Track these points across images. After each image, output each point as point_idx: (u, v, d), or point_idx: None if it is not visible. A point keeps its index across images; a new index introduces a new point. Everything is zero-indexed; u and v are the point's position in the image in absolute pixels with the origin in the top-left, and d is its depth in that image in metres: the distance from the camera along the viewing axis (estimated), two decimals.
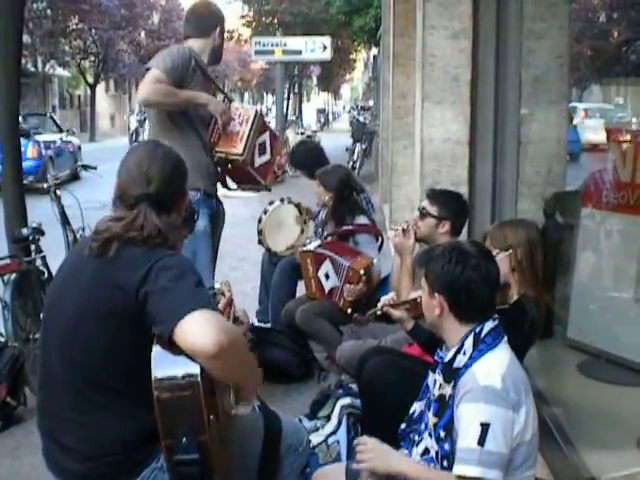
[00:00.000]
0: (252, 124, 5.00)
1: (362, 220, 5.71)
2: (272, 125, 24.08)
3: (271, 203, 6.23)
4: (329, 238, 5.67)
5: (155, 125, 5.13)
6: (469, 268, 2.79)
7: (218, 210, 5.27)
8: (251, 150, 5.03)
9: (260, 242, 6.19)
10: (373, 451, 2.87)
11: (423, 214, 4.49)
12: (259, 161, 5.14)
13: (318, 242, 5.68)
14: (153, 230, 2.64)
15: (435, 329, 2.96)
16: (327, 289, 5.43)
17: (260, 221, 6.14)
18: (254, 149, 5.07)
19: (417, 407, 3.01)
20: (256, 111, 5.16)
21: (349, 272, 5.24)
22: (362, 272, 5.21)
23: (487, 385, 2.64)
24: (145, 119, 27.04)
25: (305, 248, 5.62)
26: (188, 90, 4.88)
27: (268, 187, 5.38)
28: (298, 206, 6.15)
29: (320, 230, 5.93)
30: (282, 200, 6.26)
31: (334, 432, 4.25)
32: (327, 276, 5.41)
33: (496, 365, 2.71)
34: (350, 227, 5.64)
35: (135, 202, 2.71)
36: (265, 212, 6.19)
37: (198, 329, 2.38)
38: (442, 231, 4.44)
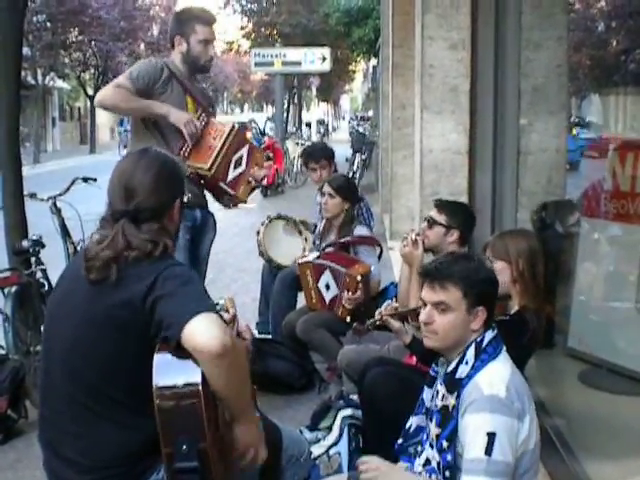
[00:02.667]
0: (225, 139, 4.93)
1: (363, 230, 5.71)
2: (271, 134, 24.17)
3: (263, 223, 6.30)
4: (328, 249, 5.66)
5: (132, 134, 5.26)
6: (494, 275, 2.88)
7: (204, 222, 5.23)
8: (224, 166, 4.97)
9: (261, 254, 6.17)
10: (376, 470, 2.87)
11: (431, 223, 4.49)
12: (233, 174, 5.06)
13: (316, 253, 5.67)
14: (145, 243, 2.63)
15: (453, 347, 2.86)
16: (328, 300, 5.43)
17: (258, 233, 6.16)
18: (228, 165, 5.01)
19: (413, 422, 3.01)
20: (232, 126, 5.09)
21: (346, 278, 5.22)
22: (359, 278, 5.18)
23: (491, 395, 2.64)
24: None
25: (303, 260, 5.61)
26: (151, 100, 4.89)
27: (241, 199, 5.28)
28: (296, 224, 6.16)
29: (318, 241, 5.92)
30: (268, 218, 6.37)
31: (335, 443, 4.23)
32: (327, 286, 5.40)
33: (499, 374, 2.71)
34: (350, 239, 5.63)
35: (118, 217, 2.71)
36: (262, 224, 6.21)
37: (205, 329, 2.40)
38: (451, 240, 4.45)
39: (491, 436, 2.58)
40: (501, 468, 2.58)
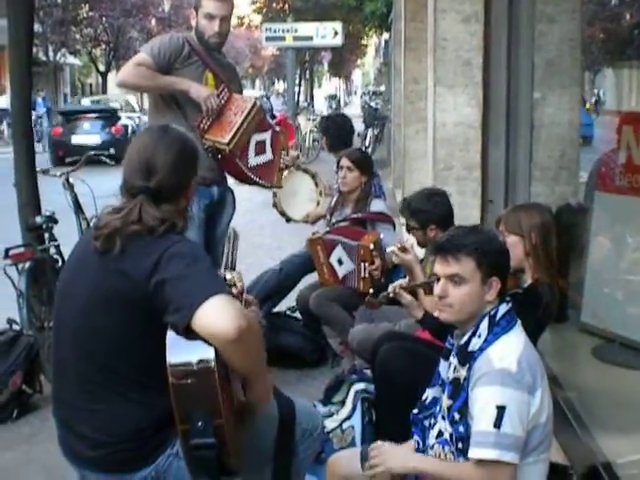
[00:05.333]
0: (247, 115, 4.89)
1: (379, 204, 5.68)
2: (283, 111, 24.12)
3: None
4: (342, 223, 5.63)
5: (151, 108, 5.23)
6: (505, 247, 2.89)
7: (222, 199, 5.21)
8: (243, 142, 4.93)
9: (274, 205, 6.09)
10: (386, 453, 2.88)
11: (409, 229, 4.51)
12: (256, 161, 5.03)
13: (326, 229, 5.66)
14: (153, 220, 2.63)
15: (468, 320, 2.85)
16: (341, 275, 5.41)
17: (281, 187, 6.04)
18: (248, 143, 4.98)
19: (430, 393, 3.01)
20: (254, 102, 5.03)
21: (360, 250, 5.18)
22: (372, 247, 5.14)
23: (503, 368, 2.64)
24: None
25: (314, 236, 5.59)
26: (172, 76, 4.88)
27: (275, 186, 5.32)
28: (314, 177, 6.06)
29: (329, 216, 5.88)
30: (298, 167, 6.08)
31: (348, 417, 4.25)
32: (340, 262, 5.38)
33: (511, 348, 2.70)
34: (366, 214, 5.61)
35: (136, 193, 2.70)
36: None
37: (218, 314, 2.38)
38: (432, 235, 4.42)
39: (501, 409, 2.58)
40: (510, 441, 2.58)
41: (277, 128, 5.28)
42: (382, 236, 5.31)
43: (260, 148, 5.06)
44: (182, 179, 2.80)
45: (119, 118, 23.60)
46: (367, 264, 5.16)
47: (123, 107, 26.68)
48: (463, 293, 2.81)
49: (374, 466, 2.88)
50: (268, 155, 5.09)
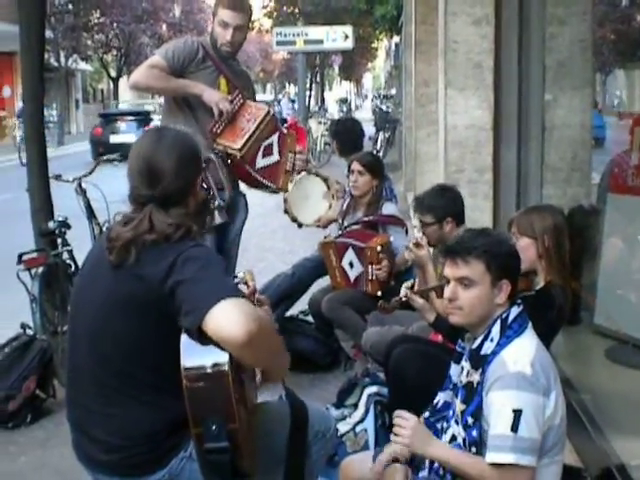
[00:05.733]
0: (259, 123, 4.89)
1: (390, 207, 5.68)
2: (293, 114, 24.11)
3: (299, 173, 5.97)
4: (354, 227, 5.64)
5: (164, 109, 5.29)
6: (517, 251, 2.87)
7: (234, 203, 5.17)
8: (254, 150, 4.93)
9: (286, 211, 6.08)
10: (413, 429, 2.85)
11: (423, 226, 4.50)
12: (262, 163, 5.01)
13: (339, 232, 5.66)
14: (167, 227, 2.62)
15: (479, 323, 2.85)
16: (352, 278, 5.42)
17: (287, 190, 6.02)
18: (257, 150, 4.97)
19: (441, 397, 3.01)
20: (268, 111, 5.03)
21: (367, 252, 5.19)
22: (379, 248, 5.14)
23: (517, 372, 2.63)
24: None
25: (326, 240, 5.60)
26: (186, 79, 4.90)
27: (281, 189, 5.28)
28: (326, 180, 6.06)
29: (341, 220, 5.88)
30: (310, 171, 6.05)
31: (361, 420, 4.25)
32: (351, 264, 5.39)
33: (525, 351, 2.70)
34: (377, 217, 5.61)
35: (144, 202, 2.69)
36: (290, 181, 6.06)
37: (228, 319, 2.37)
38: (448, 229, 4.42)
39: (517, 413, 2.57)
40: (528, 445, 2.57)
41: (284, 130, 5.28)
42: (392, 239, 5.32)
43: (267, 150, 5.06)
44: (187, 181, 2.77)
45: (151, 119, 25.76)
46: (374, 266, 5.17)
47: (157, 110, 28.61)
48: (473, 296, 2.81)
49: (396, 435, 2.88)
50: (275, 156, 5.09)
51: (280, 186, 5.20)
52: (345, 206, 5.88)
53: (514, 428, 2.56)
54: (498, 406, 2.62)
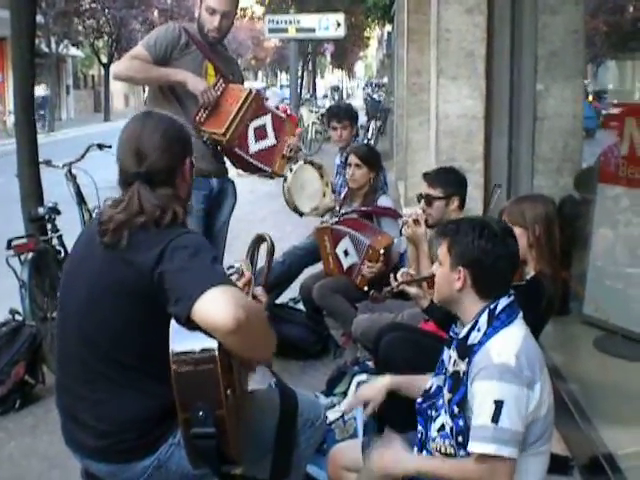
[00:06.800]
0: (241, 104, 4.88)
1: (386, 201, 5.70)
2: (286, 102, 24.10)
3: (291, 170, 5.93)
4: (350, 215, 5.64)
5: (150, 100, 5.25)
6: (499, 245, 2.79)
7: (221, 190, 5.19)
8: (241, 132, 4.93)
9: (287, 202, 6.06)
10: (387, 460, 2.86)
11: (429, 200, 4.50)
12: (257, 146, 5.02)
13: (335, 219, 5.66)
14: (155, 209, 2.62)
15: (448, 304, 2.92)
16: (346, 266, 5.43)
17: (286, 180, 5.87)
18: (246, 131, 4.96)
19: (434, 382, 3.02)
20: (249, 91, 5.01)
21: (369, 250, 5.23)
22: (382, 251, 5.20)
23: (501, 363, 2.63)
24: None
25: (322, 225, 5.60)
26: (169, 67, 4.87)
27: (278, 173, 5.28)
28: (320, 169, 6.05)
29: (338, 208, 5.89)
30: (305, 160, 6.03)
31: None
32: (346, 253, 5.40)
33: (510, 342, 2.70)
34: (373, 208, 5.62)
35: (131, 180, 2.70)
36: (290, 170, 5.94)
37: (216, 306, 2.37)
38: (453, 207, 4.48)
39: (499, 404, 2.57)
40: (508, 436, 2.57)
41: (280, 113, 5.27)
42: (395, 241, 5.35)
43: (260, 133, 5.04)
44: (174, 158, 2.78)
45: None
46: (371, 264, 5.20)
47: None
48: (438, 275, 2.92)
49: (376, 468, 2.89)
50: (271, 139, 5.08)
51: (275, 170, 5.19)
52: (342, 196, 5.89)
53: (495, 419, 2.56)
54: (480, 396, 2.62)
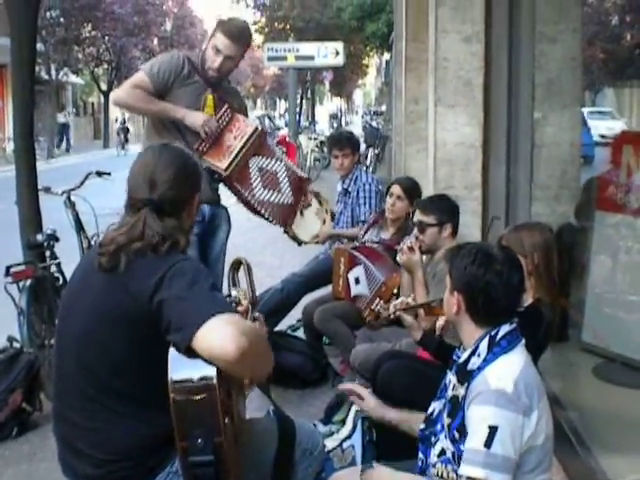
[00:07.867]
0: (246, 141, 4.89)
1: None
2: (285, 132, 24.14)
3: None
4: (374, 245, 5.56)
5: (148, 129, 5.16)
6: (491, 272, 2.77)
7: (214, 217, 5.16)
8: (241, 167, 4.93)
9: (285, 231, 6.05)
10: None
11: (422, 227, 4.50)
12: (266, 195, 5.07)
13: (355, 243, 5.64)
14: (155, 236, 2.63)
15: (454, 327, 2.95)
16: (353, 293, 5.35)
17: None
18: (248, 169, 4.97)
19: (435, 406, 3.01)
20: (255, 128, 5.01)
21: (382, 288, 5.10)
22: (395, 291, 5.11)
23: (498, 389, 2.62)
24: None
25: (342, 246, 5.58)
26: (169, 95, 4.85)
27: (286, 228, 5.37)
28: (317, 196, 6.04)
29: (362, 233, 5.81)
30: None
31: (349, 436, 4.23)
32: (357, 281, 5.30)
33: (509, 369, 2.69)
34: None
35: (140, 206, 2.72)
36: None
37: (217, 336, 2.36)
38: (445, 235, 4.48)
39: (493, 429, 2.56)
40: (499, 462, 2.56)
41: (302, 174, 5.30)
42: None
43: (270, 181, 5.07)
44: (184, 193, 2.82)
45: None
46: (382, 302, 5.13)
47: None
48: (444, 298, 2.99)
49: None
50: (286, 196, 5.17)
51: (286, 228, 5.34)
52: (372, 220, 5.84)
53: (487, 444, 2.55)
54: (475, 420, 2.62)
